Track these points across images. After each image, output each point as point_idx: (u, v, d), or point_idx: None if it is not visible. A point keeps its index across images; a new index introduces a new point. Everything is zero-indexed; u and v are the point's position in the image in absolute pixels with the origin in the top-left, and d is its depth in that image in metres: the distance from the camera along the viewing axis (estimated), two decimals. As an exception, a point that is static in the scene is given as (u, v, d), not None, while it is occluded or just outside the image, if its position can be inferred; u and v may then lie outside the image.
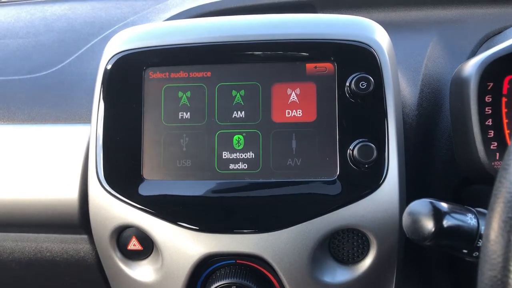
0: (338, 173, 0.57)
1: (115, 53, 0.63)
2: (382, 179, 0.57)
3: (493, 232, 0.30)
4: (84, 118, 0.72)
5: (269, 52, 0.60)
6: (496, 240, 0.30)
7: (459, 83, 0.60)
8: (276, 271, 0.59)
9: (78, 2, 1.01)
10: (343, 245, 0.60)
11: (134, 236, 0.62)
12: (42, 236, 0.73)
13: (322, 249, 0.59)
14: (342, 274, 0.59)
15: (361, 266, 0.59)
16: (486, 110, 0.58)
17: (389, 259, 0.60)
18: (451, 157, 0.67)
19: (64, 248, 0.74)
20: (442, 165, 0.68)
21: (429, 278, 0.72)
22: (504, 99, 0.59)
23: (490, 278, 0.30)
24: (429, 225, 0.43)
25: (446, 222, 0.43)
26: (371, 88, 0.57)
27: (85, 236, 0.70)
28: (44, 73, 0.79)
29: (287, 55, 0.60)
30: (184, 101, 0.61)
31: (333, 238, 0.59)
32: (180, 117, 0.61)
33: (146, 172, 0.60)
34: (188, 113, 0.61)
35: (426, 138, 0.70)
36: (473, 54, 0.77)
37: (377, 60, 0.58)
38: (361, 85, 0.57)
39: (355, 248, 0.59)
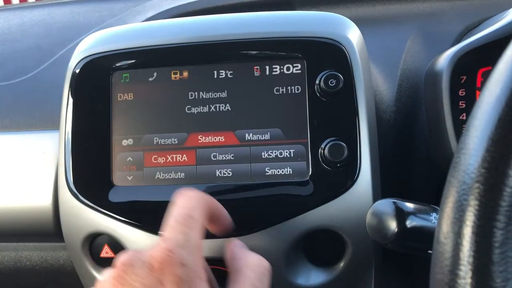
0: (310, 173, 0.56)
1: (82, 57, 0.62)
2: (355, 178, 0.55)
3: (442, 234, 0.29)
4: (57, 124, 0.70)
5: (235, 52, 0.58)
6: (444, 242, 0.29)
7: (432, 77, 0.59)
8: (249, 275, 0.58)
9: (57, 7, 1.00)
10: (317, 247, 0.58)
11: (106, 244, 0.61)
12: (21, 244, 0.73)
13: (296, 251, 0.58)
14: (317, 276, 0.58)
15: (337, 267, 0.58)
16: (460, 104, 0.57)
17: (365, 259, 0.58)
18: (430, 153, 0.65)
19: (44, 257, 0.74)
20: (422, 162, 0.67)
21: (411, 275, 0.70)
22: (478, 93, 0.57)
23: (438, 281, 0.28)
24: (392, 226, 0.41)
25: (409, 223, 0.41)
26: (341, 85, 0.56)
27: (63, 244, 0.69)
28: (18, 80, 0.78)
29: (254, 54, 0.58)
30: None
31: (308, 240, 0.58)
32: None
33: (115, 178, 0.59)
34: None
35: (405, 134, 0.69)
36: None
37: (346, 57, 0.57)
38: (330, 82, 0.56)
39: (330, 249, 0.58)
